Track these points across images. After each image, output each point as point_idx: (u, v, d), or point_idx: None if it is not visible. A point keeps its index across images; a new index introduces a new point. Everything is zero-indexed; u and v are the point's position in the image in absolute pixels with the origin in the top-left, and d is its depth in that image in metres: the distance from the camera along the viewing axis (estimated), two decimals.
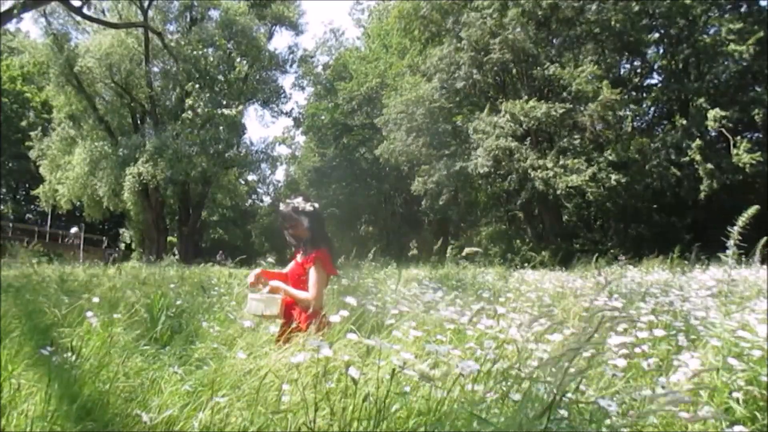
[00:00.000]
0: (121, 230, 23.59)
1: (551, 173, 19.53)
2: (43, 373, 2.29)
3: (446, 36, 24.52)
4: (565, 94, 20.88)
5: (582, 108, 20.32)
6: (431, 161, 23.88)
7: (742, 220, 2.94)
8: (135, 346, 3.02)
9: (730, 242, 3.01)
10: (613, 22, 20.62)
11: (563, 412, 1.70)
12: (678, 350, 2.52)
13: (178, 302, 4.72)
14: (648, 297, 4.77)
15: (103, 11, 30.69)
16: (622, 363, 1.95)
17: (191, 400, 2.21)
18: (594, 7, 20.40)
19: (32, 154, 31.59)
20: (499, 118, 20.99)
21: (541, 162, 20.12)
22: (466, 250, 4.66)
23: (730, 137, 18.57)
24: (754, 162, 17.36)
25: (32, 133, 31.62)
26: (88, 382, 2.27)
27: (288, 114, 37.97)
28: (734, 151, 18.12)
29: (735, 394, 2.03)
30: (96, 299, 3.60)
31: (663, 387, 1.88)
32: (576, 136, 21.18)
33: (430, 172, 23.45)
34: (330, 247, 3.07)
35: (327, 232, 3.13)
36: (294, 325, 2.70)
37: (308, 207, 3.06)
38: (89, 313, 2.85)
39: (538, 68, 21.46)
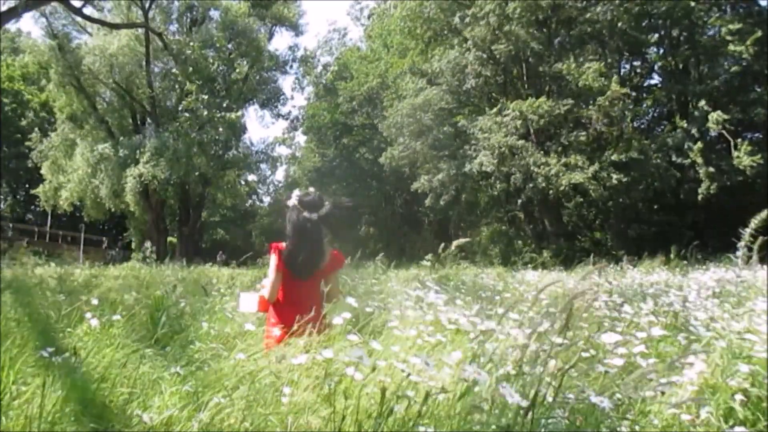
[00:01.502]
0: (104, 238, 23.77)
1: (553, 170, 19.55)
2: (43, 374, 2.29)
3: (449, 35, 24.55)
4: (569, 92, 20.90)
5: (585, 105, 20.34)
6: (433, 162, 23.91)
7: (754, 224, 2.94)
8: (135, 347, 3.01)
9: (741, 243, 3.02)
10: (613, 23, 20.63)
11: (560, 412, 1.70)
12: (680, 351, 2.51)
13: (182, 304, 4.72)
14: (648, 297, 4.77)
15: (102, 10, 30.73)
16: (619, 362, 1.94)
17: (191, 401, 2.21)
18: (596, 8, 20.43)
19: (34, 156, 31.62)
20: (503, 117, 21.02)
21: (544, 159, 20.14)
22: (455, 243, 4.64)
23: (731, 139, 18.59)
24: (754, 164, 17.37)
25: (32, 135, 31.58)
26: (88, 382, 2.27)
27: (286, 117, 38.01)
28: (735, 153, 18.13)
29: (737, 396, 2.03)
30: (95, 300, 3.60)
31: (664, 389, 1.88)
32: (582, 133, 21.19)
33: (433, 171, 23.49)
34: (294, 242, 2.99)
35: (291, 232, 3.02)
36: (294, 328, 2.69)
37: (289, 201, 3.08)
38: (88, 314, 2.85)
39: (543, 65, 21.48)
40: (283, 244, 3.02)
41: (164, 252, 24.91)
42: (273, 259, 2.97)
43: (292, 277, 3.00)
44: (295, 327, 2.70)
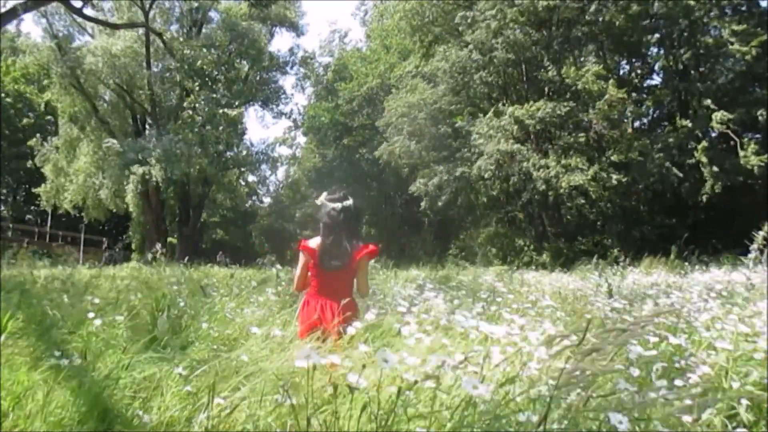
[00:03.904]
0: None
1: (553, 173, 19.51)
2: (45, 375, 2.29)
3: (450, 38, 24.52)
4: (569, 94, 20.85)
5: (584, 108, 20.30)
6: (430, 165, 23.88)
7: None
8: (136, 348, 3.01)
9: (754, 246, 3.01)
10: (612, 23, 20.62)
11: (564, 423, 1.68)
12: (681, 353, 2.51)
13: (181, 304, 4.71)
14: (648, 299, 4.77)
15: (102, 10, 30.72)
16: (635, 373, 1.91)
17: (190, 402, 2.21)
18: (594, 7, 20.39)
19: (37, 159, 31.61)
20: (501, 120, 20.96)
21: (543, 162, 20.09)
22: None
23: (736, 139, 18.56)
24: (762, 164, 17.33)
25: (33, 142, 31.46)
26: (90, 383, 2.26)
27: (288, 116, 37.98)
28: (741, 153, 18.08)
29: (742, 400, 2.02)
30: (97, 300, 3.59)
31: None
32: (581, 135, 21.15)
33: (430, 174, 23.45)
34: (324, 235, 3.22)
35: (321, 226, 3.26)
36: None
37: (318, 200, 3.32)
38: (91, 314, 2.85)
39: (542, 67, 21.45)
40: (311, 241, 3.26)
41: (167, 254, 24.83)
42: (301, 255, 3.25)
43: (324, 270, 3.18)
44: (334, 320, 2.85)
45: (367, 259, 3.22)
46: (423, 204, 24.72)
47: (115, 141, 26.85)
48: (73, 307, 4.04)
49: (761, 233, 3.04)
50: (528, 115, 20.05)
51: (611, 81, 19.79)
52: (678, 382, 1.96)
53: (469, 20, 22.06)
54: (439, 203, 23.55)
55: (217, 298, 5.49)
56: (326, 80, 37.31)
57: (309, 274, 3.25)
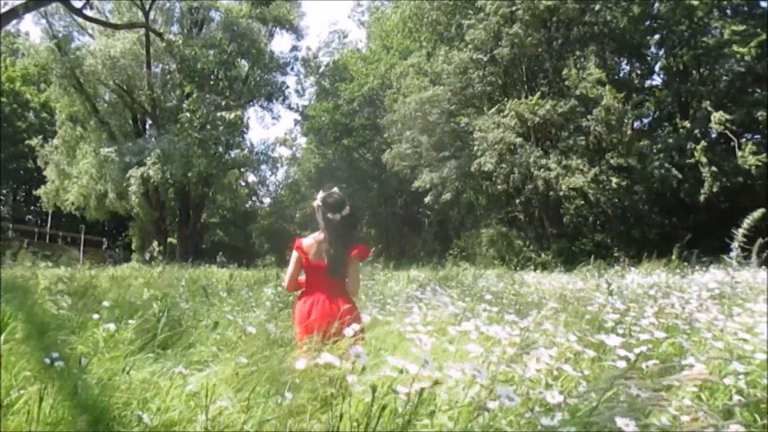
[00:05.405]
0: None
1: (553, 174, 19.50)
2: (43, 375, 2.29)
3: (452, 38, 24.58)
4: (568, 96, 20.86)
5: (585, 109, 20.30)
6: (433, 163, 23.91)
7: (746, 223, 2.93)
8: (138, 349, 3.02)
9: (734, 244, 3.00)
10: (613, 24, 20.62)
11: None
12: (680, 352, 2.52)
13: (182, 305, 4.72)
14: (648, 299, 4.78)
15: (100, 10, 30.74)
16: (621, 365, 1.94)
17: (190, 403, 2.21)
18: (595, 8, 20.39)
19: (38, 160, 31.60)
20: (503, 117, 20.98)
21: (543, 161, 20.07)
22: None
23: (735, 139, 18.57)
24: (759, 164, 17.34)
25: (35, 142, 31.40)
26: (89, 384, 2.27)
27: (295, 109, 37.97)
28: (740, 153, 18.10)
29: (736, 397, 2.03)
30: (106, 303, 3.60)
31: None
32: (581, 138, 21.14)
33: (435, 170, 23.51)
34: (320, 243, 3.15)
35: (319, 223, 3.20)
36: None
37: (315, 202, 3.23)
38: (95, 316, 2.85)
39: (543, 68, 21.47)
40: (305, 239, 3.19)
41: (164, 253, 24.85)
42: (294, 253, 3.17)
43: (320, 271, 3.13)
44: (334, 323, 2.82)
45: (358, 260, 3.20)
46: (427, 198, 24.71)
47: (112, 150, 26.88)
48: (74, 308, 4.05)
49: (740, 230, 3.02)
50: (529, 109, 20.05)
51: (607, 87, 19.78)
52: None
53: (470, 19, 22.07)
54: (442, 199, 23.53)
55: (217, 300, 5.50)
56: (327, 78, 37.28)
57: (302, 273, 3.21)
